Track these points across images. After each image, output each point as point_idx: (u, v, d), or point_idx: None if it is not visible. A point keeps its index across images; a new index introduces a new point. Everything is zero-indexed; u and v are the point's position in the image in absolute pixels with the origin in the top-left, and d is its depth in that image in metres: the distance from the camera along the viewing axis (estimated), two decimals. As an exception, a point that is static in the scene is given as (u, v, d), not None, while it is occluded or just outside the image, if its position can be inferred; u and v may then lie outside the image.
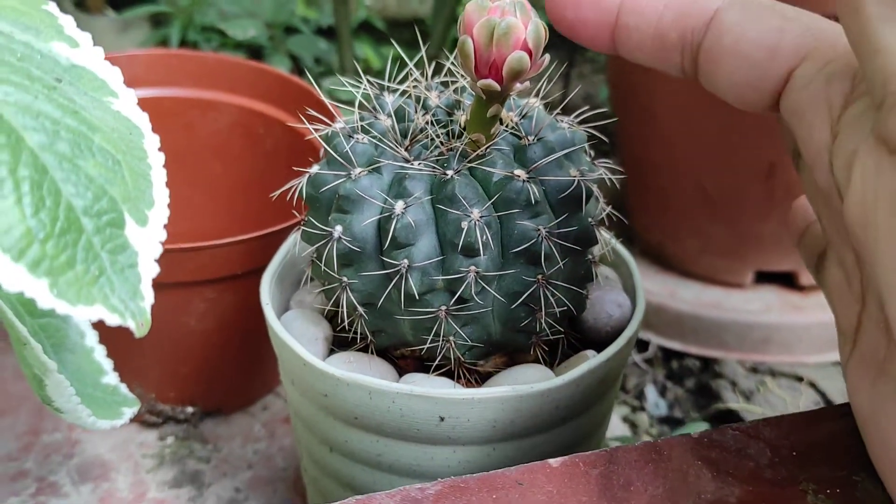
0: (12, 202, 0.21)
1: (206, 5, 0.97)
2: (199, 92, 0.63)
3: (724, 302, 0.70)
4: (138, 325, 0.23)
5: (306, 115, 0.37)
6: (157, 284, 0.25)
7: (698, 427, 0.58)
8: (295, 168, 0.35)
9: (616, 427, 0.63)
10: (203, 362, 0.54)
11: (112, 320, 0.22)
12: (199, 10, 0.97)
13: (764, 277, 0.71)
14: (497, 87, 0.30)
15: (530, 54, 0.30)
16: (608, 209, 0.37)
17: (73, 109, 0.23)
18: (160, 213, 0.25)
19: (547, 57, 0.31)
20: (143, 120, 0.26)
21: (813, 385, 0.65)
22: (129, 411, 0.42)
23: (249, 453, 0.56)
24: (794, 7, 0.25)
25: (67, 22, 0.26)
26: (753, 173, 0.66)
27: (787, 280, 0.71)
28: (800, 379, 0.66)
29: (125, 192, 0.23)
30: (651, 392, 0.66)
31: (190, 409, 0.57)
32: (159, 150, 0.26)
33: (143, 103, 0.67)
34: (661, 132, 0.71)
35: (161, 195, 0.25)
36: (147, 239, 0.24)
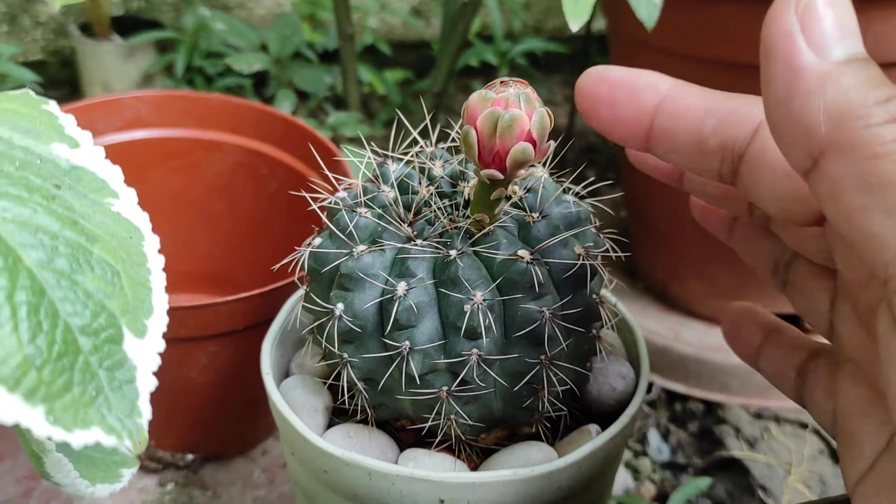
0: (9, 330, 0.20)
1: (211, 32, 0.96)
2: (203, 132, 0.63)
3: (729, 344, 0.70)
4: (135, 443, 0.22)
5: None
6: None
7: (702, 483, 0.58)
8: (296, 247, 0.35)
9: (617, 473, 0.62)
10: (203, 412, 0.54)
11: (108, 442, 0.22)
12: (204, 37, 0.97)
13: (769, 320, 0.71)
14: (500, 176, 0.30)
15: (534, 144, 0.29)
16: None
17: (73, 219, 0.23)
18: (159, 320, 0.24)
19: (552, 143, 0.31)
20: (143, 221, 0.26)
21: (818, 432, 0.65)
22: (129, 472, 0.42)
23: (249, 500, 0.56)
24: None
25: (68, 121, 0.26)
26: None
27: (791, 324, 0.70)
28: (804, 426, 0.65)
29: (124, 304, 0.23)
30: (654, 436, 0.65)
31: (190, 457, 0.56)
32: (159, 251, 0.26)
33: (149, 144, 0.67)
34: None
35: (160, 301, 0.25)
36: (146, 351, 0.23)
